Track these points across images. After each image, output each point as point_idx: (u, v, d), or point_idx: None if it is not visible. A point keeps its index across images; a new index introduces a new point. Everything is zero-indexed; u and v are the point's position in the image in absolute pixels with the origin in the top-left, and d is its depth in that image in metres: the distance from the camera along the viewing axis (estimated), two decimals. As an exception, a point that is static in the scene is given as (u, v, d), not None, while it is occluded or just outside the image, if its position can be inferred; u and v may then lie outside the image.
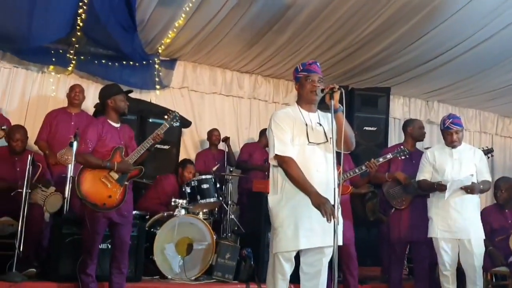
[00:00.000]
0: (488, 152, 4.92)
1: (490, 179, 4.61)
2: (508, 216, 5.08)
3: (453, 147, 4.59)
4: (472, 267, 4.41)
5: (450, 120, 4.59)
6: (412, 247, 5.17)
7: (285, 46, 6.35)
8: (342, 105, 3.16)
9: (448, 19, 5.56)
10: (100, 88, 4.46)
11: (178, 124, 4.54)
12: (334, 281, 2.93)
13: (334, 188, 3.01)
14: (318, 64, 3.41)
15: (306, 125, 3.28)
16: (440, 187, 4.46)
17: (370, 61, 6.69)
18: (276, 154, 3.22)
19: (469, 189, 4.40)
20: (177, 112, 4.53)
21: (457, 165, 4.54)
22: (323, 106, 3.37)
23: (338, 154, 3.15)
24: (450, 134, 4.56)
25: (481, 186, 4.49)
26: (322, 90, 3.20)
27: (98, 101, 6.14)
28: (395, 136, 7.94)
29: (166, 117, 4.51)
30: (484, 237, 4.51)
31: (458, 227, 4.43)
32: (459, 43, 6.11)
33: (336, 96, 3.12)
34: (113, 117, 4.20)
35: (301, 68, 3.39)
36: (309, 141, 3.25)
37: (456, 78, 7.26)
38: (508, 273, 4.78)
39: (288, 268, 3.24)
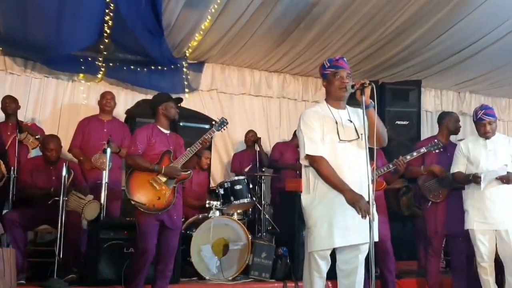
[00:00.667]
0: (524, 143, 4.81)
1: (527, 168, 4.52)
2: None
3: (487, 138, 4.52)
4: (510, 258, 4.34)
5: (483, 111, 4.53)
6: (449, 240, 5.11)
7: (312, 43, 6.35)
8: (374, 101, 3.13)
9: (475, 10, 5.51)
10: (152, 96, 4.67)
11: (225, 129, 4.63)
12: (371, 277, 2.92)
13: (368, 184, 3.00)
14: (345, 59, 3.38)
15: (336, 122, 3.26)
16: (475, 179, 4.40)
17: (399, 55, 6.65)
18: (307, 154, 3.21)
19: (505, 180, 4.33)
20: (225, 119, 4.57)
21: (492, 156, 4.47)
22: (353, 101, 3.36)
23: (370, 150, 3.12)
24: (483, 125, 4.50)
25: None
26: (353, 86, 3.15)
27: (129, 107, 6.37)
28: (428, 129, 7.86)
29: (214, 122, 4.63)
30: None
31: (494, 218, 4.36)
32: (487, 34, 6.05)
33: (367, 91, 3.09)
34: (163, 123, 4.33)
35: (328, 64, 3.35)
36: (340, 139, 3.23)
37: (487, 68, 7.16)
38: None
39: (324, 266, 3.25)
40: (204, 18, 5.74)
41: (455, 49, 6.50)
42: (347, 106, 3.40)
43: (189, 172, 4.33)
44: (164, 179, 4.17)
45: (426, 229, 5.07)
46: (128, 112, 6.40)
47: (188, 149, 4.31)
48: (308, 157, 3.22)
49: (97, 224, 4.63)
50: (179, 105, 6.58)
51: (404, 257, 5.92)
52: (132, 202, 4.07)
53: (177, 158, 4.26)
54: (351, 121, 3.31)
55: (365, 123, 3.09)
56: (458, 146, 4.76)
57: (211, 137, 4.45)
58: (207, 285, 4.78)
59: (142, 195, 4.08)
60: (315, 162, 3.19)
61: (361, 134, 3.24)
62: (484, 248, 4.44)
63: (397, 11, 5.57)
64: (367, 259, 3.23)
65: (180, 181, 4.29)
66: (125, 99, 6.75)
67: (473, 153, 4.56)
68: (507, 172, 4.34)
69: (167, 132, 4.35)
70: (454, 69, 7.17)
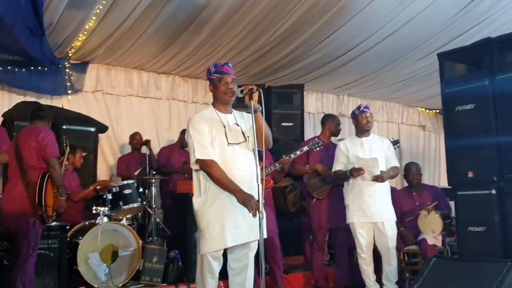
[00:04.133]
0: (395, 143, 5.30)
1: (398, 165, 4.98)
2: (416, 199, 5.48)
3: (367, 130, 4.90)
4: (386, 248, 4.74)
5: (364, 105, 5.00)
6: (332, 234, 5.45)
7: (201, 46, 6.38)
8: (261, 105, 3.25)
9: (354, 18, 5.86)
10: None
11: None
12: (261, 273, 3.04)
13: (258, 184, 3.12)
14: (230, 65, 3.46)
15: (224, 126, 3.35)
16: (352, 173, 4.75)
17: (284, 59, 6.91)
18: (197, 159, 3.27)
19: (379, 179, 4.69)
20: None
21: (368, 154, 4.84)
22: (241, 105, 3.48)
23: (258, 152, 3.29)
24: (365, 117, 4.88)
25: (391, 173, 4.83)
26: (242, 91, 3.26)
27: (5, 110, 5.98)
28: (311, 130, 8.25)
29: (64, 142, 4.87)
30: (396, 219, 4.87)
31: (372, 211, 4.73)
32: (364, 40, 6.47)
33: (255, 96, 3.21)
34: None
35: (214, 69, 3.42)
36: (228, 142, 3.32)
37: (363, 72, 7.68)
38: (418, 251, 5.19)
39: (217, 266, 3.33)
40: (88, 18, 5.53)
41: (334, 55, 6.89)
42: (233, 110, 3.51)
43: None
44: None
45: (311, 224, 5.37)
46: (5, 115, 5.99)
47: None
48: (198, 161, 3.28)
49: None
50: (62, 107, 6.40)
51: (291, 253, 6.19)
52: (47, 213, 3.95)
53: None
54: (237, 125, 3.42)
55: (253, 126, 3.21)
56: (338, 146, 5.10)
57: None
58: (96, 293, 4.65)
59: (50, 205, 4.01)
60: (206, 166, 3.26)
61: (248, 137, 3.37)
62: (363, 240, 4.79)
63: (282, 17, 5.78)
64: (256, 256, 3.36)
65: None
66: (2, 102, 6.31)
67: (351, 152, 4.91)
68: (381, 171, 4.71)
69: None
70: (334, 74, 7.61)
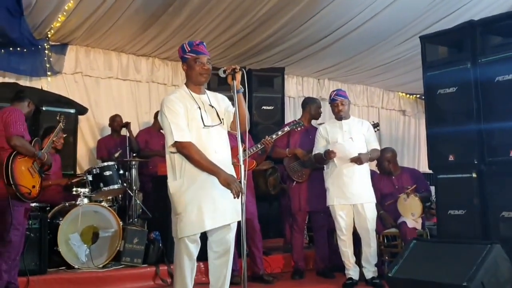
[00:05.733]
0: (375, 126, 5.34)
1: (378, 147, 5.03)
2: (395, 182, 5.53)
3: (340, 118, 4.93)
4: (366, 231, 4.80)
5: (335, 92, 5.00)
6: (312, 216, 5.50)
7: (181, 28, 6.31)
8: (244, 86, 3.21)
9: (334, 1, 5.86)
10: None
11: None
12: (243, 255, 3.02)
13: (240, 165, 3.07)
14: (204, 44, 3.35)
15: (199, 108, 3.26)
16: (328, 154, 4.77)
17: (265, 42, 6.87)
18: (175, 141, 3.16)
19: (358, 161, 4.73)
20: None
21: (347, 136, 4.88)
22: (224, 87, 3.43)
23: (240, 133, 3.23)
24: (336, 105, 4.91)
25: (370, 155, 4.87)
26: (224, 71, 3.18)
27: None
28: (291, 114, 8.25)
29: (58, 118, 4.77)
30: (375, 202, 4.92)
31: (352, 193, 4.77)
32: (345, 23, 6.47)
33: (238, 76, 3.15)
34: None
35: (189, 48, 3.28)
36: (204, 124, 3.24)
37: (344, 56, 7.67)
38: (398, 234, 5.26)
39: (194, 249, 3.27)
40: (67, -1, 5.46)
41: (314, 38, 6.87)
42: (207, 91, 3.42)
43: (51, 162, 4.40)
44: (37, 167, 4.08)
45: (291, 207, 5.40)
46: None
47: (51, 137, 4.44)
48: (176, 144, 3.18)
49: None
50: (41, 88, 6.30)
51: (271, 235, 6.25)
52: (20, 191, 3.86)
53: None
54: (212, 106, 3.34)
55: (236, 107, 3.17)
56: (318, 130, 5.13)
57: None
58: (76, 274, 4.63)
59: (23, 183, 3.89)
60: (185, 148, 3.16)
61: (223, 119, 3.32)
62: (343, 222, 4.84)
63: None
64: (237, 237, 3.36)
65: (45, 170, 4.27)
66: (-19, 82, 6.19)
67: (331, 134, 4.95)
68: (358, 154, 4.74)
69: None
70: (314, 58, 7.60)
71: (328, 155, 4.77)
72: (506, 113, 4.15)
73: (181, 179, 3.21)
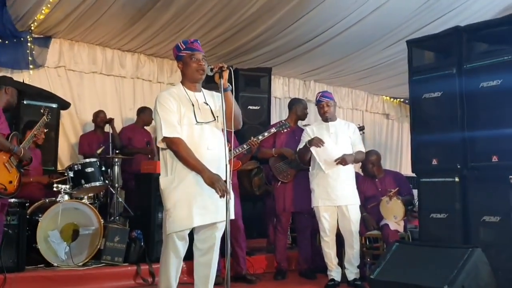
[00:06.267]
0: (360, 129, 5.36)
1: (363, 149, 5.04)
2: (378, 185, 5.55)
3: (326, 119, 4.93)
4: (349, 232, 4.81)
5: (321, 94, 5.02)
6: (295, 217, 5.48)
7: (168, 24, 6.26)
8: (231, 84, 3.22)
9: (322, 3, 5.85)
10: None
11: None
12: (227, 254, 3.02)
13: (226, 165, 3.09)
14: (199, 42, 3.40)
15: (193, 104, 3.29)
16: (310, 143, 4.76)
17: (253, 42, 6.85)
18: (164, 136, 3.20)
19: (342, 162, 4.73)
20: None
21: (334, 138, 4.89)
22: (212, 85, 3.44)
23: (226, 133, 3.22)
24: (321, 106, 4.92)
25: (355, 156, 4.87)
26: (212, 69, 3.21)
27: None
28: (276, 114, 8.26)
29: (42, 111, 4.62)
30: (359, 204, 4.93)
31: (336, 194, 4.78)
32: (332, 26, 6.48)
33: (225, 75, 3.17)
34: (6, 105, 4.18)
35: (184, 46, 3.33)
36: (197, 121, 3.26)
37: (330, 59, 7.70)
38: (380, 236, 5.28)
39: (182, 247, 3.28)
40: (52, -10, 5.37)
41: (301, 40, 6.88)
42: (202, 89, 3.44)
43: (31, 157, 4.31)
44: (15, 162, 3.99)
45: (275, 208, 5.39)
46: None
47: (32, 131, 4.30)
48: (165, 139, 3.21)
49: None
50: (23, 81, 6.18)
51: (254, 235, 6.23)
52: None
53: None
54: (207, 104, 3.37)
55: (223, 105, 3.17)
56: (304, 131, 5.13)
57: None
58: (55, 272, 4.54)
59: None
60: (173, 144, 3.19)
61: (217, 117, 3.33)
62: (327, 224, 4.85)
63: (250, -1, 5.72)
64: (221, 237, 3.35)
65: (25, 165, 4.19)
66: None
67: (317, 136, 4.94)
68: (343, 154, 4.75)
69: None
70: (301, 59, 7.61)
71: (313, 143, 4.73)
72: (490, 119, 4.18)
73: (171, 176, 3.23)
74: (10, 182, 3.91)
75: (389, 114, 10.26)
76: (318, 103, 4.96)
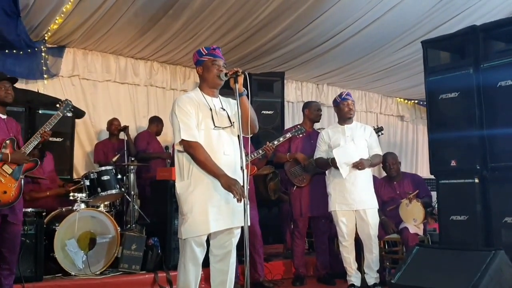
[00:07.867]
0: (378, 130, 5.30)
1: (380, 152, 4.97)
2: (396, 188, 5.49)
3: (349, 118, 4.87)
4: (368, 237, 4.74)
5: (346, 92, 4.97)
6: (313, 222, 5.43)
7: (180, 32, 6.27)
8: (246, 89, 3.22)
9: (335, 5, 5.81)
10: None
11: (70, 114, 4.38)
12: (246, 260, 2.99)
13: (243, 169, 3.08)
14: (220, 49, 3.42)
15: (211, 109, 3.29)
16: (334, 162, 4.72)
17: (265, 47, 6.84)
18: (182, 139, 3.19)
19: (359, 166, 4.67)
20: (70, 101, 4.42)
21: (350, 141, 4.82)
22: (225, 91, 3.44)
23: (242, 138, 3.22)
24: (347, 104, 4.84)
25: (371, 160, 4.80)
26: (226, 74, 3.22)
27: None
28: (290, 119, 8.24)
29: (58, 105, 4.40)
30: (378, 208, 4.87)
31: (354, 199, 4.72)
32: (345, 28, 6.43)
33: (240, 79, 3.16)
34: None
35: (206, 51, 3.35)
36: (214, 126, 3.26)
37: (343, 62, 7.64)
38: (399, 239, 5.21)
39: (200, 253, 3.25)
40: (65, 1, 5.37)
41: (314, 43, 6.84)
42: (219, 95, 3.45)
43: (36, 160, 4.13)
44: (10, 170, 3.87)
45: (292, 212, 5.34)
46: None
47: (34, 135, 4.11)
48: (183, 142, 3.20)
49: None
50: (37, 91, 6.21)
51: (270, 241, 6.18)
52: None
53: (21, 147, 4.00)
54: (223, 109, 3.37)
55: (238, 110, 3.15)
56: (320, 134, 5.08)
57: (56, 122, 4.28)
58: (73, 281, 4.53)
59: None
60: (191, 147, 3.19)
61: (234, 122, 3.33)
62: (345, 228, 4.79)
63: (264, 3, 5.69)
64: (238, 242, 3.32)
65: (27, 171, 4.03)
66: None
67: (333, 139, 4.89)
68: (360, 158, 4.69)
69: (4, 117, 4.02)
70: (314, 63, 7.57)
71: (333, 163, 4.71)
72: (509, 118, 4.12)
73: (188, 180, 3.22)
74: (5, 192, 3.80)
75: (404, 116, 10.17)
76: (343, 100, 4.86)
